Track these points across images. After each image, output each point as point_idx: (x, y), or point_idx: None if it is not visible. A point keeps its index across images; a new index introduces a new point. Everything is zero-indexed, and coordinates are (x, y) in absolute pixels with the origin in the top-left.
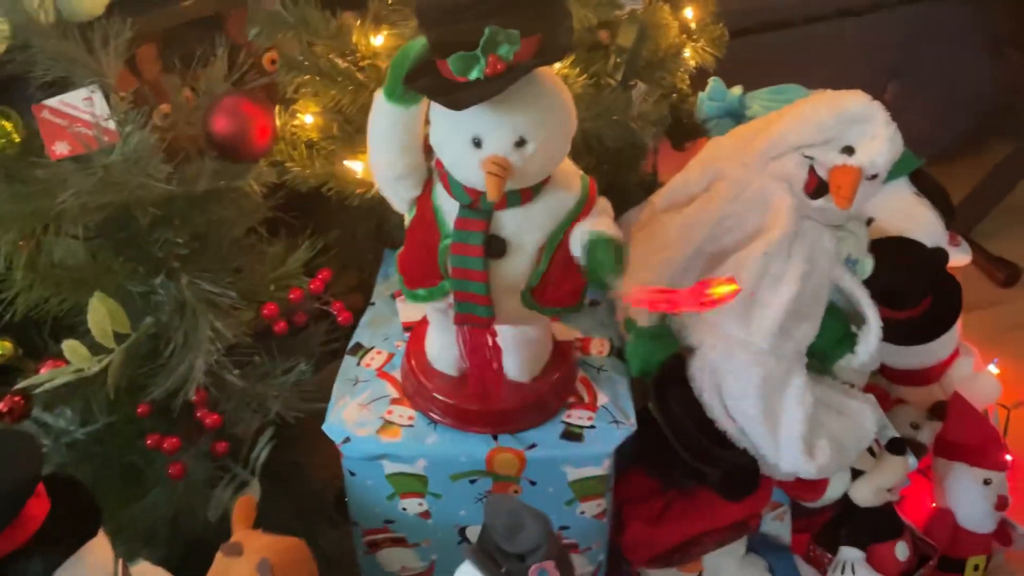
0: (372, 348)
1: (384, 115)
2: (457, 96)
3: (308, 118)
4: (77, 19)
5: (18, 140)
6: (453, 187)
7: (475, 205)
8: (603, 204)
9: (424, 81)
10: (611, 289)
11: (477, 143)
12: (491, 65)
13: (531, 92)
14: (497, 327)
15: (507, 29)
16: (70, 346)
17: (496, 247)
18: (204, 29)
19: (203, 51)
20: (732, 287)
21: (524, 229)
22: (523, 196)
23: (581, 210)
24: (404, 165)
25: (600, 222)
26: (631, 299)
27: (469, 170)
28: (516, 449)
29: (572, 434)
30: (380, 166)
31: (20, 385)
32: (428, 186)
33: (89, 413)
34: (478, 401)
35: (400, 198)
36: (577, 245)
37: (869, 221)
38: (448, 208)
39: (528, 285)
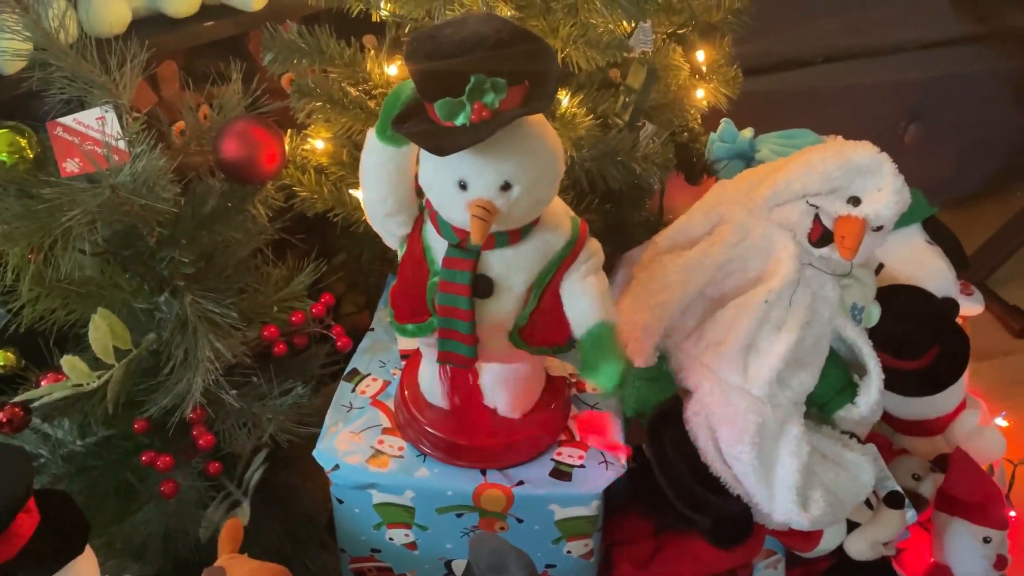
0: (368, 375)
1: (375, 153)
2: (441, 142)
3: (319, 143)
4: (99, 35)
5: (31, 156)
6: (442, 226)
7: (463, 245)
8: (593, 247)
9: (410, 124)
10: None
11: (463, 186)
12: (476, 112)
13: (517, 137)
14: (487, 364)
15: (494, 77)
16: (69, 362)
17: (483, 287)
18: (225, 49)
19: (223, 70)
20: None
21: (512, 270)
22: (511, 237)
23: (570, 252)
24: (394, 202)
25: (594, 293)
26: None
27: (455, 211)
28: (504, 486)
29: (561, 473)
30: (371, 202)
31: (19, 398)
32: (419, 224)
33: (87, 426)
34: (468, 435)
35: (390, 234)
36: (575, 311)
37: (879, 268)
38: (437, 246)
39: (516, 325)
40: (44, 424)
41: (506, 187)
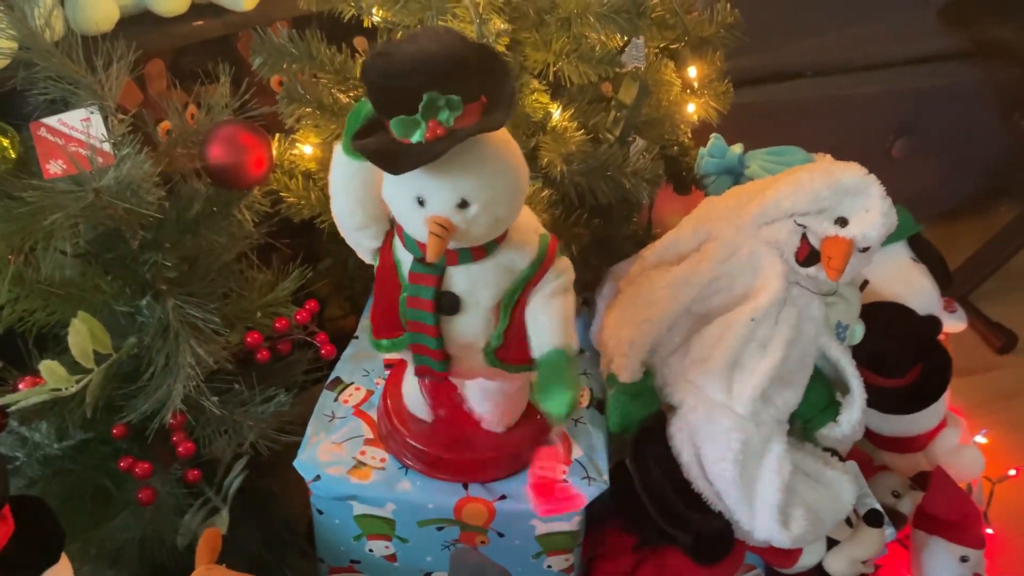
0: (351, 384)
1: (342, 167)
2: (396, 159)
3: (307, 149)
4: (85, 33)
5: (14, 156)
6: (407, 240)
7: (427, 259)
8: (562, 266)
9: (368, 141)
10: (554, 422)
11: (420, 202)
12: (431, 130)
13: (475, 154)
14: (468, 380)
15: (448, 94)
16: (47, 367)
17: (448, 303)
18: (214, 49)
19: (212, 70)
20: None
21: (477, 286)
22: (474, 253)
23: (536, 271)
24: (362, 216)
25: (556, 317)
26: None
27: (415, 227)
28: (486, 500)
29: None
30: (340, 216)
31: None
32: (390, 237)
33: (65, 429)
34: (451, 449)
35: (362, 248)
36: (535, 332)
37: (864, 285)
38: (405, 260)
39: (491, 345)
40: (21, 427)
41: (463, 204)
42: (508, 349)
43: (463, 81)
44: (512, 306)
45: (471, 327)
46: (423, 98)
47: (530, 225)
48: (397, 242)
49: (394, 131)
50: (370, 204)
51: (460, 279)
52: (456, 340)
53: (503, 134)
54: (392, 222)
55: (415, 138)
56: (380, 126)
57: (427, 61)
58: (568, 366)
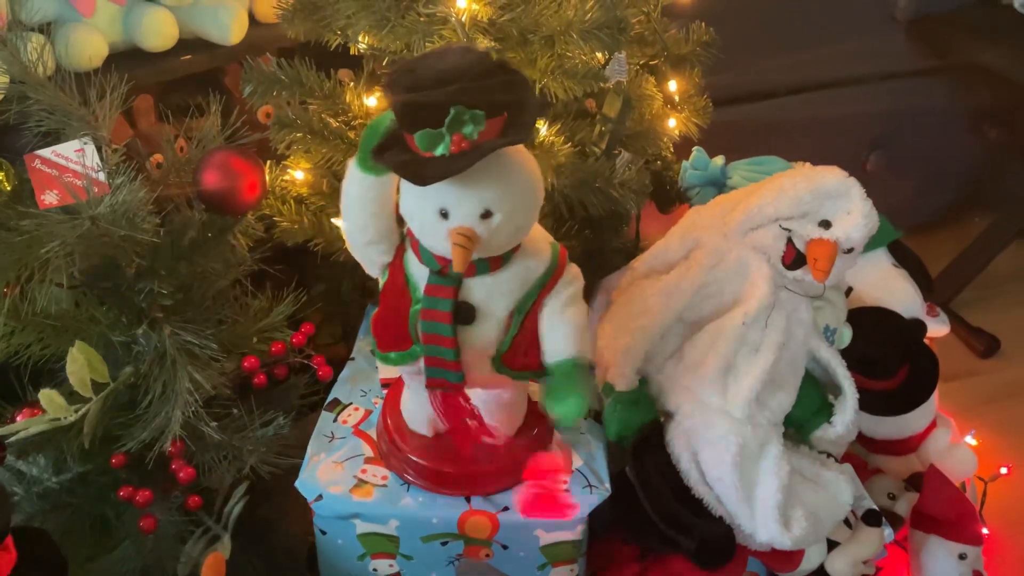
0: (349, 404)
1: (356, 183)
2: (421, 172)
3: (299, 174)
4: (76, 69)
5: (8, 189)
6: (423, 254)
7: (444, 272)
8: (573, 273)
9: (390, 155)
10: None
11: (444, 214)
12: (456, 143)
13: (497, 166)
14: (470, 390)
15: (473, 109)
16: (46, 396)
17: (465, 314)
18: (203, 82)
19: (200, 103)
20: None
21: (493, 296)
22: (492, 264)
23: (550, 279)
24: (375, 231)
25: (573, 326)
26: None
27: (437, 240)
28: (489, 512)
29: None
30: (352, 231)
31: None
32: (400, 252)
33: (63, 462)
34: (453, 463)
35: (372, 263)
36: (550, 340)
37: (848, 291)
38: (419, 274)
39: (499, 350)
40: (18, 461)
41: (487, 215)
42: (515, 355)
43: (487, 97)
44: (525, 313)
45: (485, 336)
46: (449, 112)
47: (541, 234)
48: (410, 256)
49: (419, 144)
50: (383, 219)
51: (477, 289)
52: (469, 349)
53: (520, 146)
54: (404, 237)
55: (439, 151)
56: (398, 141)
57: (454, 76)
58: (582, 375)
